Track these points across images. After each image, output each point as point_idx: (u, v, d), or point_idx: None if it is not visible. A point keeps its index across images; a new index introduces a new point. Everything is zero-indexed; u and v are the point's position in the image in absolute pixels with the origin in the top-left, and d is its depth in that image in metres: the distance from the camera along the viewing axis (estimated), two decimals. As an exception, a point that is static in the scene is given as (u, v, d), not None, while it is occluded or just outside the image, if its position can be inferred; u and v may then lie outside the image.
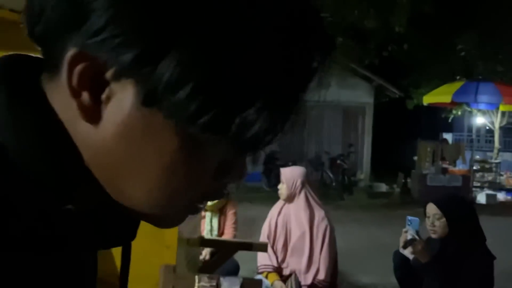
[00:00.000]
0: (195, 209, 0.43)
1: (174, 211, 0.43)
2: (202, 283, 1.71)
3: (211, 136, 0.36)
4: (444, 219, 2.38)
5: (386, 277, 2.60)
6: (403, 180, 11.21)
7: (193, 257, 2.19)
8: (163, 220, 0.44)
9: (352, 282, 4.74)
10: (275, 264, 2.88)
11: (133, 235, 0.48)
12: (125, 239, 0.48)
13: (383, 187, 12.04)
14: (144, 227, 1.75)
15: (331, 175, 12.25)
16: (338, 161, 12.01)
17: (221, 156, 0.39)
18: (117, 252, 1.81)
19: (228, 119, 0.35)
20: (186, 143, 0.37)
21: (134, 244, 1.86)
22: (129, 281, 1.97)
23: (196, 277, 1.72)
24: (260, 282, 1.95)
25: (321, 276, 2.78)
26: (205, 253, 3.00)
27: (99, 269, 0.54)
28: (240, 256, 3.38)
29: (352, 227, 7.63)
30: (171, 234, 1.82)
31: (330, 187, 11.77)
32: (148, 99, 0.35)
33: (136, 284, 2.04)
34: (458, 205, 2.44)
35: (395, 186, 11.21)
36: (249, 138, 0.36)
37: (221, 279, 1.75)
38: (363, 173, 13.17)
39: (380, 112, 14.48)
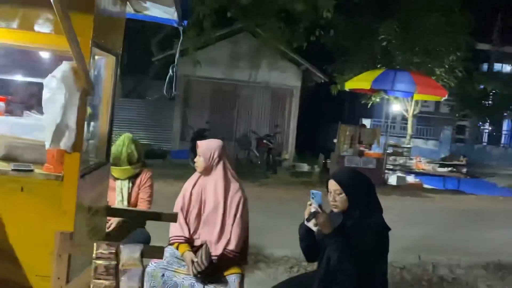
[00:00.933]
0: None
1: None
2: (101, 250, 1.70)
3: None
4: (343, 194, 2.55)
5: (299, 250, 2.77)
6: (323, 161, 11.76)
7: (96, 225, 2.15)
8: None
9: (267, 255, 4.94)
10: (187, 235, 2.89)
11: None
12: None
13: (305, 167, 12.54)
14: (40, 191, 1.74)
15: (257, 154, 12.52)
16: (265, 141, 12.28)
17: None
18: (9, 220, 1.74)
19: None
20: None
21: (28, 208, 1.85)
22: (22, 247, 1.95)
23: (95, 244, 1.71)
24: (161, 248, 1.98)
25: (232, 246, 2.85)
26: (112, 222, 2.95)
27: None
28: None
29: (273, 204, 7.91)
30: (68, 200, 1.78)
31: (255, 166, 12.04)
32: None
33: (29, 251, 2.01)
34: (356, 181, 2.61)
35: (316, 166, 11.72)
36: None
37: (121, 246, 1.76)
38: (288, 153, 13.60)
39: (307, 95, 14.95)
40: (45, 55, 2.35)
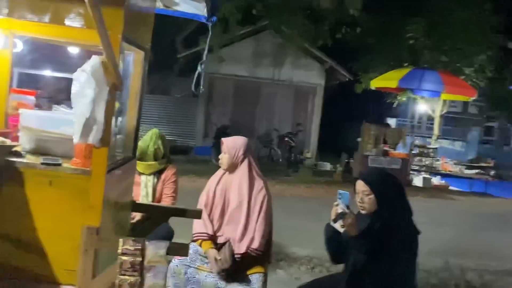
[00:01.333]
0: None
1: None
2: (127, 246, 1.69)
3: None
4: (372, 196, 2.48)
5: (321, 250, 2.70)
6: (346, 160, 11.61)
7: (121, 220, 2.15)
8: None
9: (289, 254, 4.90)
10: (210, 232, 2.86)
11: None
12: None
13: (327, 166, 12.42)
14: (68, 185, 1.72)
15: (279, 152, 12.47)
16: (286, 139, 12.22)
17: None
18: (36, 211, 1.74)
19: None
20: None
21: (56, 202, 1.84)
22: (48, 240, 1.94)
23: (121, 240, 1.70)
24: (186, 246, 1.96)
25: (255, 245, 2.80)
26: (137, 217, 2.96)
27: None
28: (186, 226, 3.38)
29: (295, 202, 7.85)
30: (95, 195, 1.77)
31: (277, 163, 11.99)
32: None
33: (56, 244, 2.01)
34: (386, 182, 2.53)
35: (338, 165, 11.59)
36: None
37: (147, 243, 1.75)
38: (310, 152, 13.49)
39: (330, 93, 14.79)
40: (74, 49, 2.35)
